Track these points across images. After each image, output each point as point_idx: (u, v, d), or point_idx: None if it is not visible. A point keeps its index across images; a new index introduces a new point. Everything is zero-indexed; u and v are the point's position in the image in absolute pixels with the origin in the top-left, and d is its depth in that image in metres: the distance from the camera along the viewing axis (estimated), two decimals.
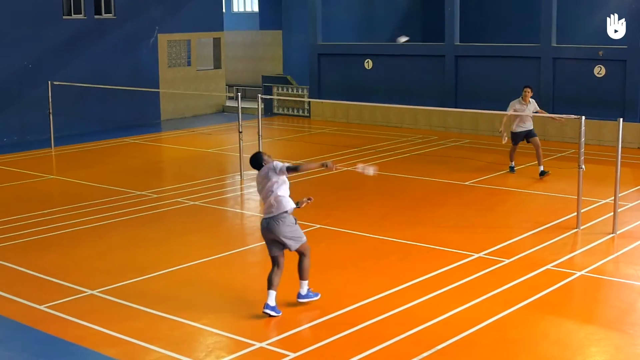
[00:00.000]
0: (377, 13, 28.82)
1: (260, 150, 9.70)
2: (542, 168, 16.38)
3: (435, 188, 15.84)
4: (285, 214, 9.07)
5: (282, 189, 9.15)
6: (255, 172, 9.47)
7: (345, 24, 27.90)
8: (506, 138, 16.49)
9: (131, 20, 25.76)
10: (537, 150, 16.41)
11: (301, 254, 9.30)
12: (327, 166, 9.38)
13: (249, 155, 9.49)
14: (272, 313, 9.05)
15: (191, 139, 23.06)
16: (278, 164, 9.11)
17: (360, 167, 9.73)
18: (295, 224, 9.18)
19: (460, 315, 9.10)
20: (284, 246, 9.17)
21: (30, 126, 22.91)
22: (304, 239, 9.25)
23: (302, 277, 9.37)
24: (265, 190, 9.14)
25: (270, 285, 9.14)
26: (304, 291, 9.41)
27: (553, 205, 14.28)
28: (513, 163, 16.96)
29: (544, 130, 21.48)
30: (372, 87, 25.07)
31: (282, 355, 8.13)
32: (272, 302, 9.08)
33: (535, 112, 16.21)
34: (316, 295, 9.52)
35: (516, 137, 16.56)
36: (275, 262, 9.23)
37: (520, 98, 16.23)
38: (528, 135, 16.46)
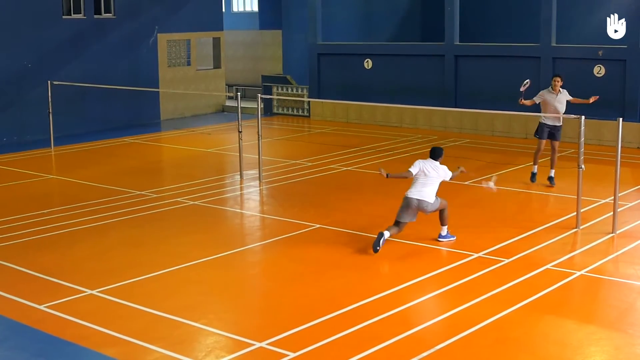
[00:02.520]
0: (376, 13, 28.82)
1: (442, 149, 12.01)
2: (552, 173, 15.81)
3: None
4: (430, 201, 11.64)
5: (437, 185, 11.78)
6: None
7: (345, 24, 27.90)
8: (522, 99, 15.36)
9: (131, 20, 25.76)
10: (552, 153, 15.69)
11: (443, 207, 11.83)
12: (463, 171, 12.32)
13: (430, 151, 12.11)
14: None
15: (191, 138, 23.05)
16: (448, 172, 11.86)
17: (491, 183, 12.72)
18: (435, 202, 11.69)
19: (460, 315, 9.10)
20: (422, 212, 11.82)
21: (29, 126, 22.91)
22: (439, 203, 11.72)
23: (442, 223, 11.91)
24: (428, 177, 11.67)
25: (388, 228, 11.56)
26: (444, 232, 11.94)
27: (553, 205, 14.29)
28: (536, 168, 15.86)
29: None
30: (372, 87, 25.07)
31: (282, 355, 8.13)
32: (387, 235, 11.48)
33: (567, 101, 15.37)
34: (453, 237, 11.98)
35: (541, 130, 15.59)
36: (398, 224, 11.66)
37: (550, 87, 15.47)
38: (553, 134, 15.58)
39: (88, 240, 12.55)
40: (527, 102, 15.53)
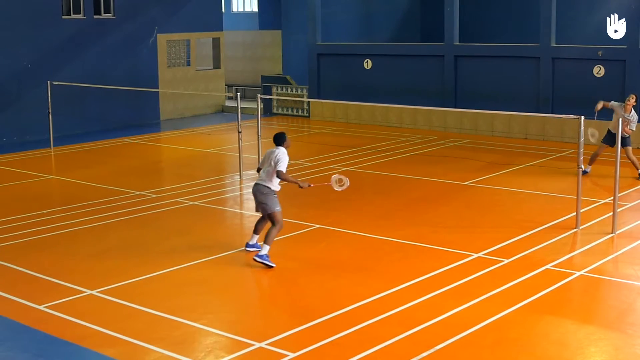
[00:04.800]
0: (376, 13, 28.83)
1: (284, 134, 11.34)
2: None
3: (435, 188, 15.84)
4: (267, 188, 10.92)
5: (273, 174, 10.97)
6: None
7: (345, 24, 27.91)
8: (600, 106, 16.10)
9: (130, 20, 25.76)
10: (629, 159, 16.05)
11: (271, 221, 11.00)
12: (302, 187, 11.17)
13: (273, 136, 11.47)
14: (252, 249, 11.38)
15: (190, 138, 23.06)
16: (283, 165, 10.87)
17: (334, 179, 11.68)
18: (271, 196, 10.92)
19: (460, 315, 9.10)
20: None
21: (29, 126, 22.90)
22: (274, 209, 10.89)
23: (265, 240, 10.92)
24: (265, 165, 11.10)
25: (255, 230, 11.46)
26: (262, 251, 10.88)
27: (553, 205, 14.29)
28: (589, 168, 16.43)
29: (543, 130, 21.51)
30: (372, 87, 25.08)
31: (282, 355, 8.13)
32: (253, 241, 11.49)
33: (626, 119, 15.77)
34: (271, 263, 10.86)
35: (607, 136, 16.19)
36: (264, 216, 11.28)
37: (624, 104, 16.04)
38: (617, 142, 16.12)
39: (88, 240, 12.55)
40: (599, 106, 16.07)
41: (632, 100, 15.94)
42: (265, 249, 10.84)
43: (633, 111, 16.00)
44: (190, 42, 28.04)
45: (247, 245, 11.51)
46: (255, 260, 10.86)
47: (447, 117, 23.33)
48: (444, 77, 23.87)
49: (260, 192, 10.92)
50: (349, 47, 26.43)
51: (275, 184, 10.95)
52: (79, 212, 14.22)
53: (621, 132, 15.66)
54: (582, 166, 12.65)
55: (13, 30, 22.70)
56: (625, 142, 15.90)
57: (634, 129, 16.00)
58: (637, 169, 16.11)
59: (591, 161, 16.45)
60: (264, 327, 9.02)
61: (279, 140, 11.22)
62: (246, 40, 34.36)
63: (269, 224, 11.14)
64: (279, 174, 10.84)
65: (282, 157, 10.91)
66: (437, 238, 12.21)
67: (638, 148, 20.01)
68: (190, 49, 28.10)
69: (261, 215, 11.34)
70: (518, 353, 8.24)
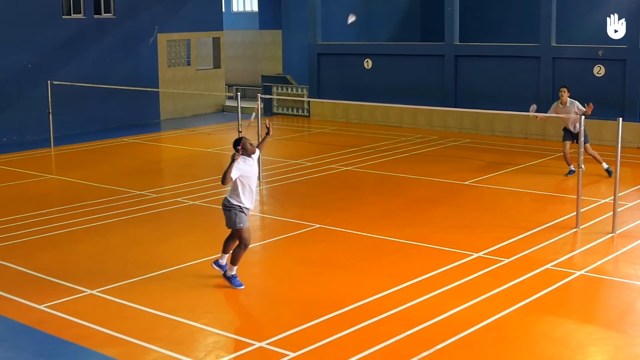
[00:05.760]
0: (376, 13, 28.82)
1: (244, 138, 10.21)
2: (604, 166, 16.23)
3: (435, 188, 15.84)
4: (229, 202, 10.00)
5: (235, 187, 10.05)
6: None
7: (345, 24, 27.87)
8: (536, 115, 16.47)
9: (131, 20, 25.76)
10: (590, 155, 16.06)
11: (238, 238, 10.09)
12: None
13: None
14: (218, 268, 10.40)
15: (191, 138, 23.06)
16: (234, 173, 9.84)
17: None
18: (234, 211, 9.94)
19: (460, 315, 9.10)
20: None
21: (29, 126, 22.90)
22: (237, 226, 9.96)
23: (231, 260, 10.15)
24: None
25: (224, 249, 10.34)
26: (229, 272, 10.18)
27: (553, 205, 14.29)
28: (572, 167, 16.34)
29: (543, 130, 21.51)
30: (372, 87, 25.07)
31: (282, 355, 8.13)
32: (222, 262, 10.39)
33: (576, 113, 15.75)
34: (239, 285, 10.14)
35: (564, 134, 16.52)
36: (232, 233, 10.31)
37: (559, 101, 16.20)
38: (575, 138, 16.03)
39: (88, 240, 12.55)
40: (543, 116, 16.51)
41: (564, 95, 15.99)
42: (233, 270, 10.12)
43: (570, 100, 16.01)
44: (190, 41, 28.03)
45: (215, 263, 10.48)
46: (223, 277, 10.23)
47: (447, 117, 23.32)
48: (444, 77, 23.86)
49: (224, 207, 10.03)
50: (349, 46, 26.42)
51: (237, 198, 9.93)
52: (79, 211, 14.21)
53: (576, 127, 15.82)
54: (582, 166, 12.64)
55: (13, 30, 22.69)
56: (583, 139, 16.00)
57: (587, 109, 15.83)
58: (601, 163, 16.22)
59: (568, 161, 16.47)
60: (264, 327, 9.03)
61: (234, 146, 10.06)
62: (246, 40, 34.36)
63: (236, 242, 10.17)
64: (222, 181, 9.81)
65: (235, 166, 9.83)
66: (437, 238, 12.21)
67: (638, 148, 20.01)
68: (191, 48, 28.10)
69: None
70: (518, 353, 8.24)
